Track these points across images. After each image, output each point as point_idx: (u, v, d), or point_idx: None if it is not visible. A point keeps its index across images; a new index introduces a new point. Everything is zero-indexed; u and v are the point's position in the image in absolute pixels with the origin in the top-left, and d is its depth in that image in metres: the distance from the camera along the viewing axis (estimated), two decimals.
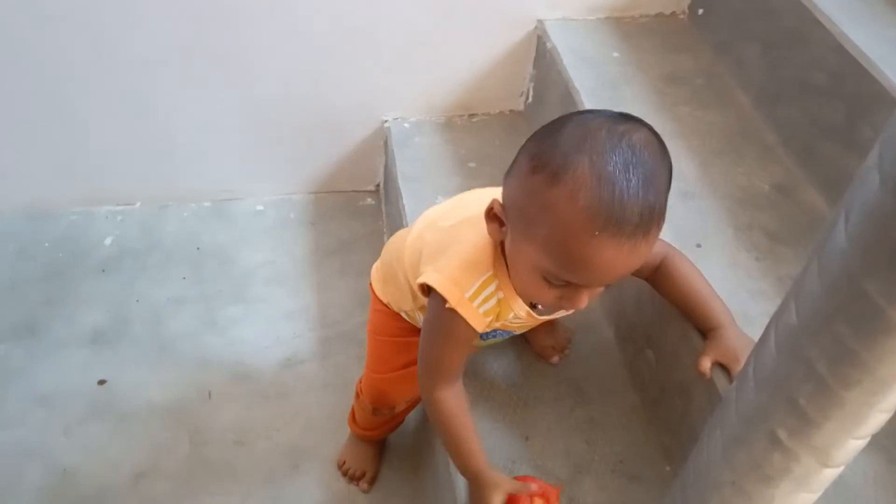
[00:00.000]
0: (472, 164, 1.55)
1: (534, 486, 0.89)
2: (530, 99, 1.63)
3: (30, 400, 1.37)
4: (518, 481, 0.89)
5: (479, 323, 0.83)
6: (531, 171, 0.70)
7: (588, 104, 1.28)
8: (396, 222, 1.53)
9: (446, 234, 0.88)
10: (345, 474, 1.26)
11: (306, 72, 1.58)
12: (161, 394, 1.38)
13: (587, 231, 0.66)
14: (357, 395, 1.18)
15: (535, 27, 1.54)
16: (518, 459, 1.01)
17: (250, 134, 1.69)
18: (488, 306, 0.83)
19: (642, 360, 1.07)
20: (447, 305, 0.80)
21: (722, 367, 0.85)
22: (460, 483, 0.94)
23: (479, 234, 0.81)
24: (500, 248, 0.81)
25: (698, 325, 0.89)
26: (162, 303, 1.56)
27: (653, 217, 0.68)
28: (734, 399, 0.49)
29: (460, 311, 0.80)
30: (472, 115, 1.68)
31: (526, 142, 0.75)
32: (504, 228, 0.77)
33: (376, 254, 1.74)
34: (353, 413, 1.23)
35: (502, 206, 0.77)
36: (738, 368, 0.84)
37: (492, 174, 1.52)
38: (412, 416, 1.26)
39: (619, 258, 0.68)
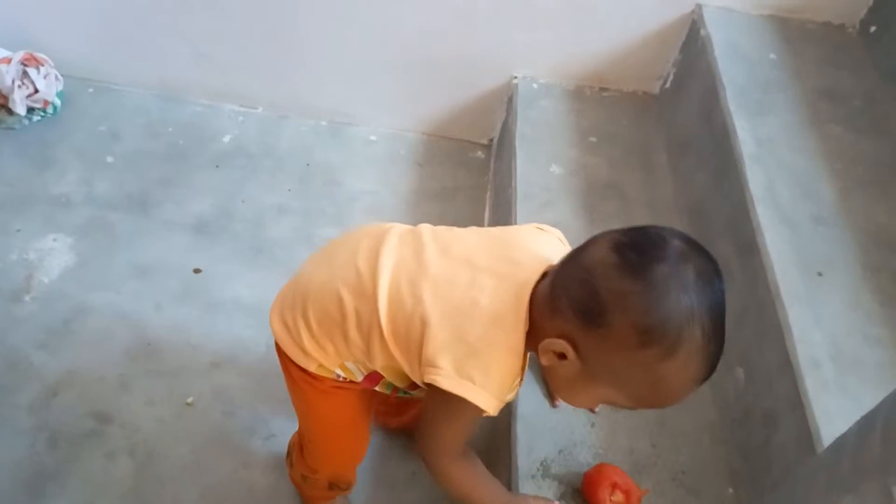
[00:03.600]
0: (592, 139, 1.51)
1: (617, 478, 0.90)
2: (668, 84, 1.56)
3: (130, 269, 1.45)
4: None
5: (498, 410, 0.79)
6: (641, 346, 0.67)
7: (733, 103, 1.22)
8: (504, 180, 1.52)
9: (457, 324, 0.76)
10: None
11: (449, 12, 1.56)
12: (248, 293, 1.44)
13: (691, 389, 0.70)
14: (304, 478, 1.09)
15: (692, 11, 1.47)
16: (580, 444, 1.00)
17: (379, 63, 1.69)
18: (511, 395, 0.81)
19: (730, 377, 1.03)
20: (484, 414, 0.77)
21: None
22: None
23: (510, 339, 0.75)
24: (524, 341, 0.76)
25: None
26: (265, 208, 1.60)
27: None
28: (852, 445, 0.46)
29: (493, 413, 0.77)
30: (603, 89, 1.63)
31: (606, 286, 0.68)
32: (566, 362, 0.72)
33: (477, 206, 1.76)
34: (300, 487, 1.15)
35: (575, 350, 0.71)
36: None
37: (610, 154, 1.48)
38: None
39: None
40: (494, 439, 1.13)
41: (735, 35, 1.40)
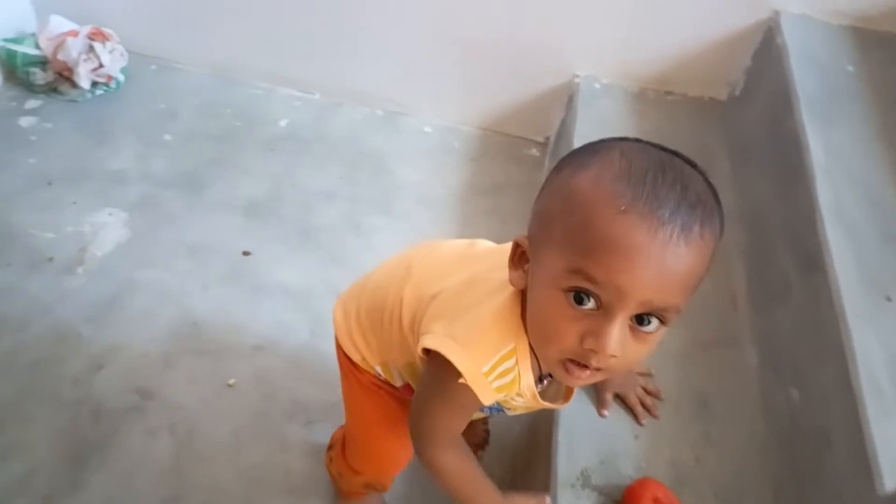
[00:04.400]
0: None
1: (659, 493, 0.87)
2: (737, 91, 1.51)
3: (180, 248, 1.47)
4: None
5: (489, 398, 0.73)
6: (556, 171, 0.65)
7: (805, 112, 1.17)
8: None
9: (460, 291, 0.76)
10: None
11: (512, 5, 1.54)
12: (294, 278, 1.44)
13: (612, 205, 0.57)
14: (341, 475, 1.10)
15: (769, 17, 1.42)
16: (621, 455, 0.96)
17: (438, 54, 1.68)
18: (502, 382, 0.73)
19: (782, 394, 0.99)
20: (460, 380, 0.70)
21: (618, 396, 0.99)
22: None
23: (503, 301, 0.71)
24: (522, 317, 0.71)
25: None
26: (315, 193, 1.60)
27: (694, 213, 0.58)
28: None
29: (473, 387, 0.71)
30: (668, 92, 1.59)
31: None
32: (528, 267, 0.66)
33: (527, 204, 1.70)
34: (336, 481, 1.15)
35: (527, 238, 0.67)
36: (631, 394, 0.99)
37: None
38: None
39: (651, 248, 0.56)
40: (535, 445, 1.11)
41: (812, 44, 1.35)
